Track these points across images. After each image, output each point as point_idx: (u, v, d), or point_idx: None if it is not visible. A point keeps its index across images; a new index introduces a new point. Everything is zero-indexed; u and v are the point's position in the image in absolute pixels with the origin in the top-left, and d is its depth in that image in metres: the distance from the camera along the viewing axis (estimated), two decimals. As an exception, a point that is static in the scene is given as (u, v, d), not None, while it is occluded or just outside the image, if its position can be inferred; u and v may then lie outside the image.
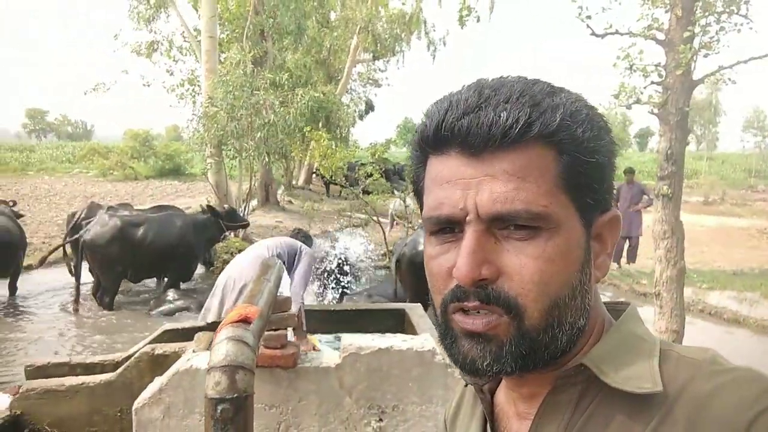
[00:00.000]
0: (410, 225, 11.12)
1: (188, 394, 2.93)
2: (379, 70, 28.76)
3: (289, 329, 5.02)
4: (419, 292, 6.75)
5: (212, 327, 4.53)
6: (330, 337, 4.45)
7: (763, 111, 62.15)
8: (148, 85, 18.50)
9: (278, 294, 3.07)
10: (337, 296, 8.28)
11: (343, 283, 8.63)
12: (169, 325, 4.66)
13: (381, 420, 3.11)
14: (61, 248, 8.73)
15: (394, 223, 12.90)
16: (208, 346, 3.86)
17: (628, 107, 5.47)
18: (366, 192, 12.14)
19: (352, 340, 3.16)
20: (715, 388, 0.58)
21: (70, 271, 8.13)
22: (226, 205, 10.91)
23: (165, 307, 7.99)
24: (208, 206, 9.44)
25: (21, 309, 8.30)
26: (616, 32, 5.14)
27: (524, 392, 0.71)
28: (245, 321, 2.26)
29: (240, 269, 4.53)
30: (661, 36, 5.05)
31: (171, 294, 8.24)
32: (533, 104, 0.61)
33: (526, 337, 0.62)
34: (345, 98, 24.68)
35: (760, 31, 4.91)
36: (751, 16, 4.76)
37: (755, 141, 60.91)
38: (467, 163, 0.63)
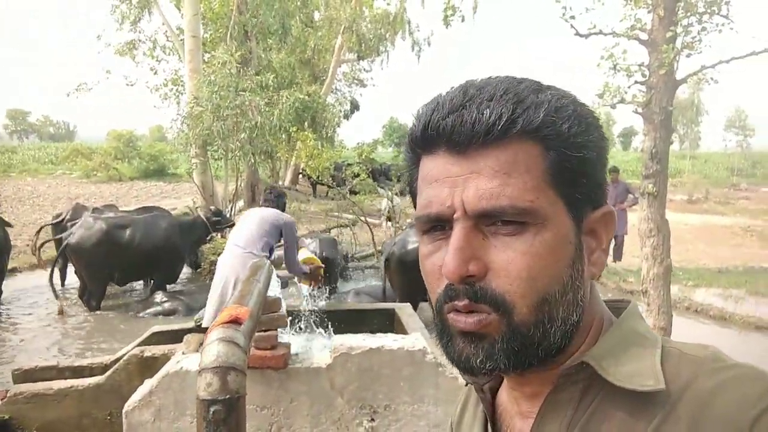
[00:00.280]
0: (398, 225, 11.13)
1: (179, 396, 2.92)
2: (364, 70, 28.76)
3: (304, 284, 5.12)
4: (408, 291, 6.76)
5: (201, 329, 4.52)
6: (322, 337, 4.45)
7: (744, 111, 62.91)
8: (132, 85, 18.39)
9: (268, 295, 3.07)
10: (327, 294, 8.25)
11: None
12: (157, 327, 4.64)
13: (373, 420, 3.12)
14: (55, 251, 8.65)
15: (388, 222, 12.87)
16: (198, 348, 3.85)
17: (613, 107, 5.50)
18: (353, 192, 12.13)
19: (343, 341, 3.16)
20: (718, 385, 0.58)
21: (50, 277, 8.03)
22: (212, 207, 10.86)
23: (153, 309, 7.93)
24: (198, 216, 9.41)
25: (6, 313, 8.21)
26: (600, 32, 5.18)
27: (527, 391, 0.71)
28: (236, 322, 2.26)
29: (236, 274, 4.47)
30: (644, 36, 5.10)
31: (159, 296, 8.19)
32: (517, 101, 0.62)
33: (517, 333, 0.62)
34: (330, 98, 24.62)
35: (741, 32, 4.97)
36: (732, 16, 4.83)
37: (737, 140, 61.53)
38: (454, 162, 0.64)
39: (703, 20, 4.80)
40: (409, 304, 5.15)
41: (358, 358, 3.10)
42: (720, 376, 0.59)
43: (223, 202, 13.47)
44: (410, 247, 6.87)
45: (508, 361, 0.63)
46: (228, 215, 10.80)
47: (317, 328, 4.67)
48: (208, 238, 9.66)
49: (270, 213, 4.88)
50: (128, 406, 2.91)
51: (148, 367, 3.72)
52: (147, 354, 3.86)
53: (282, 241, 4.88)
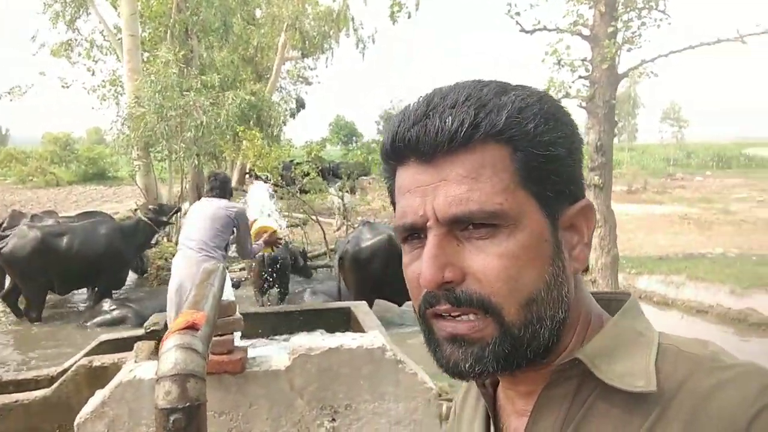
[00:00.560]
0: (350, 223, 11.10)
1: (133, 406, 2.82)
2: (309, 68, 28.60)
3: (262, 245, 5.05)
4: (363, 289, 6.75)
5: (151, 336, 4.40)
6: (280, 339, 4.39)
7: (678, 103, 65.44)
8: (68, 87, 17.74)
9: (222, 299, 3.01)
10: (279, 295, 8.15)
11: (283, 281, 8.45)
12: (105, 336, 4.49)
13: (334, 420, 3.10)
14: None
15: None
16: (150, 356, 3.74)
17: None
18: (303, 191, 12.03)
19: (302, 342, 3.13)
20: (717, 384, 0.58)
21: None
22: (151, 205, 10.55)
23: (101, 318, 7.66)
24: (139, 219, 9.10)
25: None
26: (544, 28, 5.29)
27: (521, 390, 0.71)
28: (192, 328, 2.20)
29: (192, 277, 4.36)
30: (586, 32, 5.23)
31: (107, 304, 7.90)
32: (479, 106, 0.62)
33: (508, 334, 0.62)
34: (275, 96, 24.39)
35: (679, 27, 5.16)
36: (669, 11, 5.00)
37: (672, 131, 63.88)
38: (423, 171, 0.65)
39: (642, 15, 4.96)
40: (365, 302, 5.14)
41: (317, 359, 3.07)
42: (718, 375, 0.59)
43: (168, 204, 13.14)
44: (364, 244, 6.87)
45: (497, 363, 0.63)
46: (173, 218, 10.52)
47: (273, 331, 4.61)
48: (154, 239, 9.41)
49: (220, 207, 4.72)
50: (80, 418, 2.80)
51: (97, 377, 3.60)
52: (96, 364, 3.73)
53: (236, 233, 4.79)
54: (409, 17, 6.56)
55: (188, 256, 4.49)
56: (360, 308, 4.82)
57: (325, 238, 11.12)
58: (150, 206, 10.35)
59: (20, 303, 8.08)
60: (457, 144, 0.62)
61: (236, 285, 7.40)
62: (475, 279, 0.62)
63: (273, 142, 16.03)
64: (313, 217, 11.42)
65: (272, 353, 3.47)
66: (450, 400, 4.87)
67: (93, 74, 17.46)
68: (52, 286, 8.02)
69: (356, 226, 9.51)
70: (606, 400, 0.62)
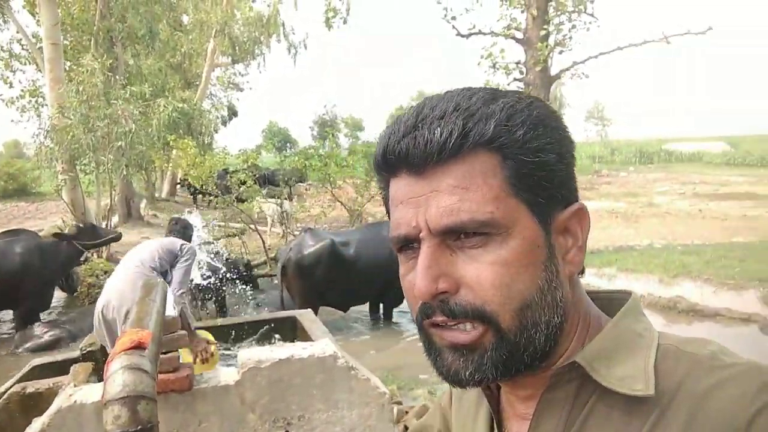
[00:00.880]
0: (289, 230, 10.96)
1: (75, 433, 2.68)
2: (240, 73, 28.20)
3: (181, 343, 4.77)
4: (308, 296, 6.68)
5: (88, 357, 4.20)
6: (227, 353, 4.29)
7: (602, 102, 68.06)
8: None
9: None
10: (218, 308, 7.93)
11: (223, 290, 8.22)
12: (38, 360, 4.27)
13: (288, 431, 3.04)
14: None
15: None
16: (88, 378, 3.57)
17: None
18: (240, 200, 11.79)
19: (251, 354, 3.06)
20: (716, 383, 0.58)
21: None
22: (81, 224, 10.03)
23: (33, 343, 7.22)
24: (54, 234, 8.49)
25: None
26: (480, 32, 5.39)
27: (521, 394, 0.71)
28: (139, 347, 2.11)
29: (119, 293, 4.16)
30: (519, 35, 5.37)
31: (38, 328, 7.44)
32: (468, 115, 0.62)
33: (505, 341, 0.63)
34: (206, 104, 23.92)
35: (606, 29, 5.36)
36: (598, 15, 5.20)
37: (596, 130, 66.39)
38: (415, 182, 0.65)
39: (572, 19, 5.13)
40: (310, 309, 5.08)
41: (267, 371, 3.00)
42: (718, 374, 0.59)
43: (97, 218, 12.59)
44: (306, 251, 6.79)
45: (495, 370, 0.63)
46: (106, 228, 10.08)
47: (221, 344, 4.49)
48: (83, 258, 8.97)
49: (172, 239, 4.59)
50: (16, 449, 2.64)
51: (32, 404, 3.40)
52: (30, 390, 3.52)
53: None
54: (345, 23, 6.56)
55: (120, 273, 4.31)
56: (305, 316, 4.76)
57: (264, 247, 10.93)
58: (80, 224, 9.76)
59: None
60: (446, 155, 0.62)
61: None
62: (469, 288, 0.62)
63: (205, 150, 15.67)
64: (251, 226, 11.21)
65: (220, 368, 3.39)
66: (400, 403, 4.88)
67: (11, 86, 16.62)
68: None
69: (296, 233, 9.40)
70: (606, 403, 0.63)
